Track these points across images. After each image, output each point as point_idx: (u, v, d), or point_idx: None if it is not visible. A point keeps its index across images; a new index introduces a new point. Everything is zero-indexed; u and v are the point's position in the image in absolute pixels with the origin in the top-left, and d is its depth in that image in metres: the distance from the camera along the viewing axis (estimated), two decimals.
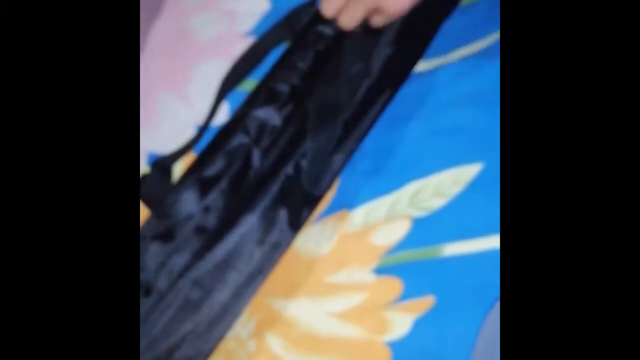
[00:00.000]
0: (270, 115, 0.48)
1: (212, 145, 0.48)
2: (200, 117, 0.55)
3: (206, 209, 0.46)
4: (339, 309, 0.47)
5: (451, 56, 0.52)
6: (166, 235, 0.46)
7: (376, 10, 0.46)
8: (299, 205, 0.47)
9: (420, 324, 0.45)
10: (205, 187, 0.47)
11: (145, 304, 0.44)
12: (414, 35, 0.51)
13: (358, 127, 0.49)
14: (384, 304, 0.46)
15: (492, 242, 0.46)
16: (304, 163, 0.48)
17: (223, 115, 0.54)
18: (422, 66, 0.52)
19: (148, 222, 0.46)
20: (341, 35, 0.49)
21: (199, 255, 0.45)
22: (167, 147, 0.52)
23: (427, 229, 0.47)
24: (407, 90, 0.51)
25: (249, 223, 0.46)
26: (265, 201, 0.47)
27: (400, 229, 0.48)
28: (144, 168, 0.54)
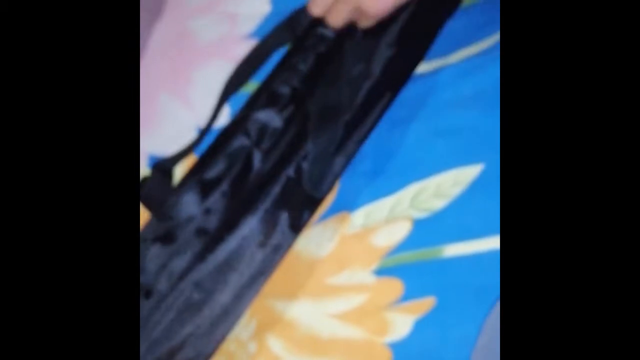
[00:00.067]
0: (271, 117, 0.48)
1: (213, 147, 0.48)
2: (201, 119, 0.55)
3: (207, 211, 0.46)
4: (340, 310, 0.47)
5: (452, 57, 0.52)
6: (167, 237, 0.46)
7: (358, 11, 0.46)
8: (300, 207, 0.47)
9: (421, 325, 0.45)
10: (206, 189, 0.47)
11: (146, 306, 0.44)
12: (415, 36, 0.51)
13: (359, 129, 0.49)
14: (384, 305, 0.46)
15: (493, 243, 0.46)
16: (305, 165, 0.48)
17: (224, 118, 0.54)
18: (422, 67, 0.52)
19: (148, 224, 0.46)
20: (342, 37, 0.49)
21: (200, 257, 0.45)
22: (167, 149, 0.52)
23: (427, 230, 0.47)
24: (408, 92, 0.51)
25: (250, 225, 0.46)
26: (266, 203, 0.47)
27: (401, 230, 0.48)
28: (145, 170, 0.54)
